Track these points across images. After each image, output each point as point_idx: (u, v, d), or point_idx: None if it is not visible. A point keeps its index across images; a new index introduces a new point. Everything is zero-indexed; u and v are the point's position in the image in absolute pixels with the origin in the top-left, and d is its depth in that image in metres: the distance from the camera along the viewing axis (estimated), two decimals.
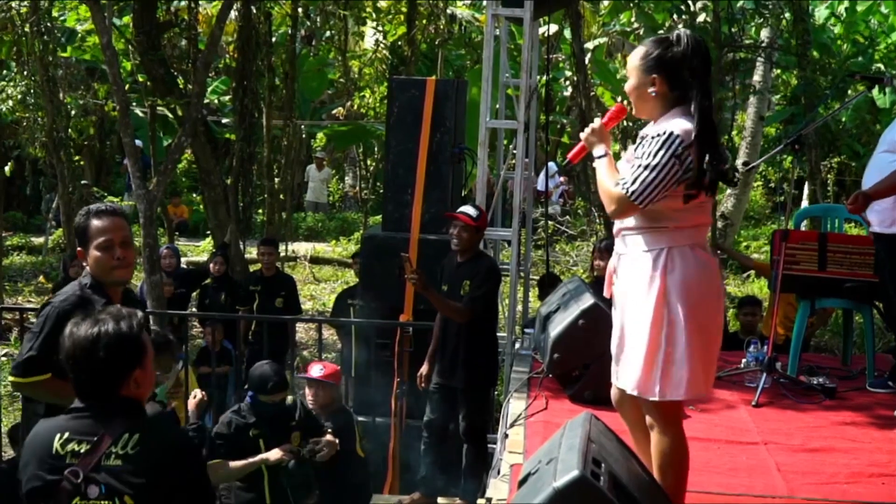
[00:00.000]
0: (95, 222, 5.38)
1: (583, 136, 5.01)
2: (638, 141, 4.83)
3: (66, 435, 3.98)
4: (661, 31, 20.74)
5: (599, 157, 4.88)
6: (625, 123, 20.58)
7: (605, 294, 5.17)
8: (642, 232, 4.79)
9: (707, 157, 4.64)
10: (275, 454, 7.82)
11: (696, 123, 4.64)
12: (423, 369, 9.31)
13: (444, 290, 9.04)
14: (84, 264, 5.47)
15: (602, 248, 9.56)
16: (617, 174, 4.77)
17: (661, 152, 4.59)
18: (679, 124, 4.65)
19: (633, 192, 4.61)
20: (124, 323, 4.06)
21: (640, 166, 4.62)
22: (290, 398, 8.20)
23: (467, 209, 8.98)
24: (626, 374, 4.91)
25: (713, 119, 4.83)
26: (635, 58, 4.84)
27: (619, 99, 27.61)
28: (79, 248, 5.47)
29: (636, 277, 4.79)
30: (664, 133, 4.62)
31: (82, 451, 3.94)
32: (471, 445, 9.10)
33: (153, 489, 3.95)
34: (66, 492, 3.92)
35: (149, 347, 4.18)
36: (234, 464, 7.76)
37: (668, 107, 4.78)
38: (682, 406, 5.03)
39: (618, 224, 4.92)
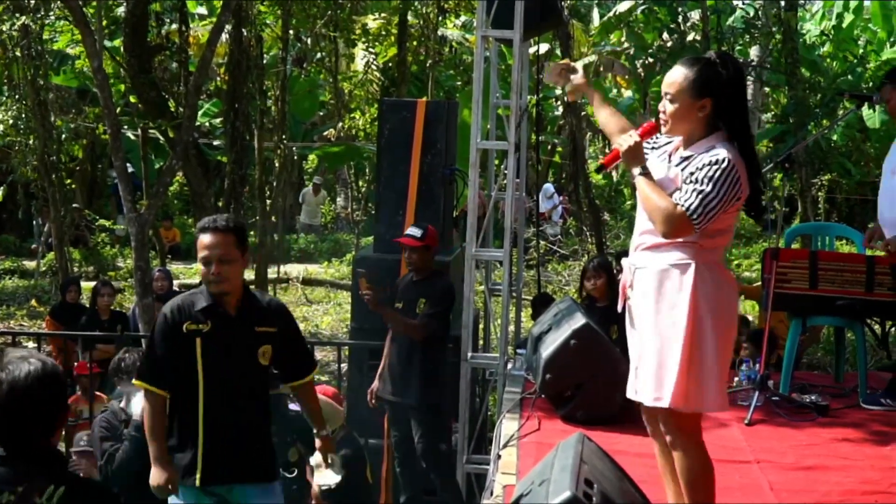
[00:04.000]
0: (201, 237, 5.89)
1: (619, 143, 5.00)
2: (678, 160, 4.88)
3: None
4: (650, 50, 20.83)
5: (641, 175, 4.88)
6: None
7: (620, 307, 5.18)
8: (669, 247, 4.83)
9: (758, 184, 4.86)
10: None
11: (738, 151, 4.77)
12: (374, 385, 9.43)
13: (398, 307, 9.16)
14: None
15: (595, 267, 9.53)
16: (663, 191, 4.79)
17: (722, 178, 4.66)
18: (728, 151, 4.73)
19: (695, 213, 4.65)
20: (50, 362, 3.85)
21: (701, 191, 4.66)
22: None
23: (411, 231, 9.20)
24: (650, 387, 4.90)
25: (754, 147, 4.96)
26: (680, 78, 4.86)
27: None
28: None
29: (662, 291, 4.83)
30: (723, 160, 4.69)
31: (11, 501, 3.74)
32: (436, 471, 9.16)
33: None
34: None
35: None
36: None
37: (708, 129, 4.85)
38: (700, 420, 5.05)
39: (641, 238, 4.96)
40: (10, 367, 3.75)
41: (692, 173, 4.74)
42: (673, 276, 4.80)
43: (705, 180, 4.67)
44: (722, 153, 4.71)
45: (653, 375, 4.86)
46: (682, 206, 4.67)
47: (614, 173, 27.36)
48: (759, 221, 5.80)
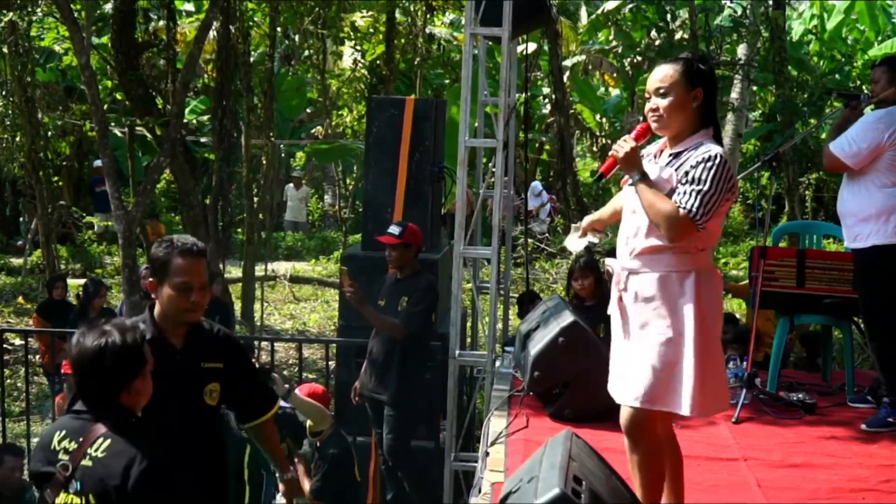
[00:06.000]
0: (179, 261, 5.18)
1: (616, 150, 5.01)
2: (667, 158, 4.94)
3: (63, 433, 4.27)
4: (638, 49, 20.84)
5: (640, 181, 4.91)
6: None
7: (609, 309, 5.20)
8: (666, 252, 4.87)
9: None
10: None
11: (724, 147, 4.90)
12: (358, 382, 9.61)
13: (381, 304, 9.32)
14: (153, 296, 5.32)
15: (581, 268, 9.53)
16: (663, 194, 4.82)
17: (718, 174, 4.73)
18: (717, 148, 4.82)
19: (697, 213, 4.71)
20: (129, 335, 4.30)
21: (699, 191, 4.72)
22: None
23: (390, 229, 9.34)
24: (638, 390, 4.93)
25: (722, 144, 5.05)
26: (671, 72, 4.94)
27: (598, 116, 27.67)
28: (150, 279, 5.31)
29: (665, 296, 4.88)
30: (715, 156, 4.76)
31: (71, 448, 4.21)
32: (402, 470, 9.20)
33: (107, 495, 4.13)
34: (58, 483, 4.21)
35: (149, 359, 4.38)
36: None
37: (697, 124, 4.93)
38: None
39: (633, 243, 4.98)
40: (82, 339, 4.27)
41: (687, 172, 4.79)
42: (674, 281, 4.85)
43: (702, 179, 4.72)
44: (714, 149, 4.78)
45: (655, 380, 4.87)
46: (684, 207, 4.71)
47: None
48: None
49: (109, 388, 4.28)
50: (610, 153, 5.08)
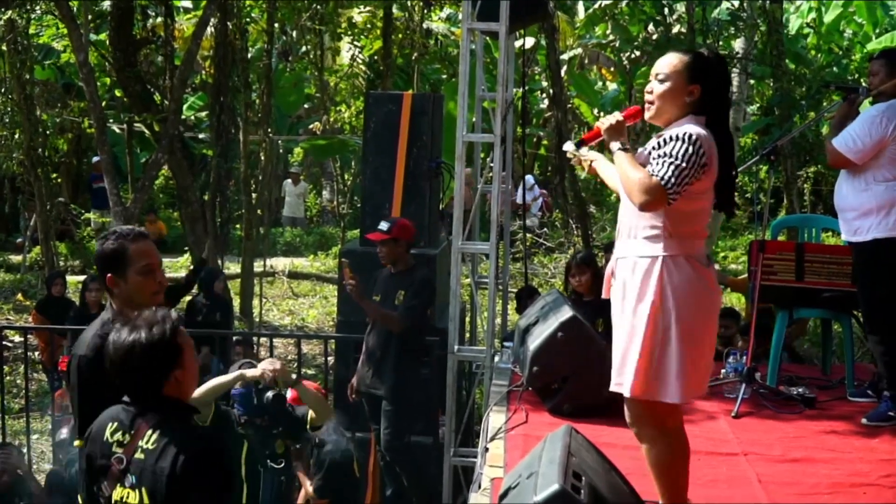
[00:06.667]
0: (135, 246, 5.04)
1: (601, 123, 5.08)
2: (653, 141, 4.95)
3: (115, 425, 4.30)
4: (636, 43, 20.82)
5: (620, 149, 4.94)
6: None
7: (604, 295, 5.24)
8: (639, 237, 4.92)
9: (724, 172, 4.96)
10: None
11: (713, 137, 4.87)
12: (354, 379, 9.64)
13: (376, 299, 9.39)
14: (115, 290, 5.08)
15: (578, 263, 9.53)
16: (641, 167, 4.83)
17: (688, 151, 4.72)
18: (696, 129, 4.81)
19: (668, 182, 4.70)
20: (157, 329, 4.27)
21: (672, 163, 4.73)
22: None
23: (380, 225, 9.41)
24: (615, 373, 4.99)
25: (731, 141, 5.10)
26: (676, 60, 4.97)
27: (596, 111, 27.55)
28: (108, 275, 5.08)
29: (633, 282, 4.91)
30: (686, 134, 4.77)
31: (125, 441, 4.24)
32: (399, 466, 9.20)
33: (159, 486, 4.13)
34: (114, 476, 4.23)
35: (186, 347, 4.35)
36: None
37: (686, 114, 4.94)
38: (674, 411, 5.11)
39: (621, 228, 5.04)
40: (116, 337, 4.31)
41: (657, 146, 4.83)
42: (642, 267, 4.88)
43: (673, 154, 4.73)
44: (690, 129, 4.80)
45: (618, 362, 4.96)
46: (656, 175, 4.72)
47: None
48: (729, 217, 5.94)
49: (149, 384, 4.29)
50: (596, 124, 5.14)
